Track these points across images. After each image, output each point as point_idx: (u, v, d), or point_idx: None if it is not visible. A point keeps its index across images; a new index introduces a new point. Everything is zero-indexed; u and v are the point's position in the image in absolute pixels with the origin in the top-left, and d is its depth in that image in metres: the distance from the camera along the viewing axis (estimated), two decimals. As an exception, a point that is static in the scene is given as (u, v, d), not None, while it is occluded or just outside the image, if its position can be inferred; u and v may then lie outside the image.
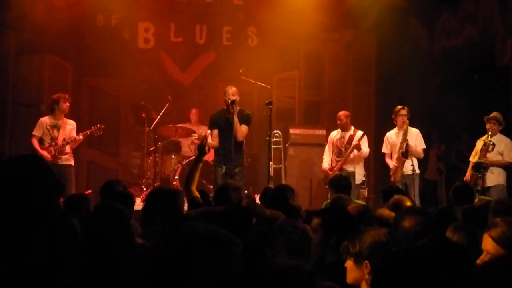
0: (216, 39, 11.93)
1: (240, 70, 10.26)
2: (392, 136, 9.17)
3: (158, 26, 11.78)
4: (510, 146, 8.55)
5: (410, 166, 8.70)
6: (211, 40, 11.95)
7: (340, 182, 6.81)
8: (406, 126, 8.91)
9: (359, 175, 9.33)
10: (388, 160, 9.23)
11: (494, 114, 8.64)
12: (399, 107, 9.09)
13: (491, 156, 8.45)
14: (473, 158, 8.75)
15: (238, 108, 8.34)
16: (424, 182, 10.60)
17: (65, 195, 8.50)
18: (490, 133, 8.51)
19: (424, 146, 9.14)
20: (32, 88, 11.28)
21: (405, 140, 8.78)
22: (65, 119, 8.84)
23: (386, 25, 11.46)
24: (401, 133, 8.94)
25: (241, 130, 8.35)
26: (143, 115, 10.39)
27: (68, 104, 8.85)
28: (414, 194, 8.53)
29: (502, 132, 8.64)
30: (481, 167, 8.34)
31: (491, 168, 8.41)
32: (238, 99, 8.30)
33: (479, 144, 8.70)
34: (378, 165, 10.93)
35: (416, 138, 9.00)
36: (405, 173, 8.80)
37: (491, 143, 8.37)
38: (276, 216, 4.64)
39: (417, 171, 8.89)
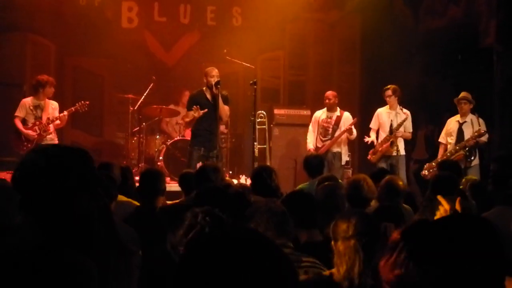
0: (200, 19, 11.85)
1: (225, 50, 10.21)
2: (383, 114, 9.19)
3: (141, 5, 11.67)
4: (484, 126, 8.62)
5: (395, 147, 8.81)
6: (195, 20, 11.87)
7: (312, 161, 6.85)
8: (397, 107, 8.96)
9: (345, 155, 9.40)
10: (372, 134, 9.27)
11: (463, 94, 8.71)
12: (385, 87, 9.14)
13: (471, 138, 8.52)
14: (444, 139, 8.84)
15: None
16: (413, 162, 10.72)
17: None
18: (461, 113, 8.66)
19: (411, 130, 9.19)
20: (14, 67, 11.14)
21: (399, 127, 8.81)
22: (47, 100, 8.78)
23: (371, 5, 11.45)
24: (393, 113, 8.97)
25: (225, 110, 8.38)
26: (127, 95, 10.35)
27: (53, 89, 8.79)
28: (399, 175, 8.59)
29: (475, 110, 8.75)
30: (472, 154, 8.41)
31: None
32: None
33: (453, 125, 8.77)
34: (363, 145, 10.96)
35: (407, 121, 9.05)
36: (392, 154, 8.84)
37: (483, 132, 8.38)
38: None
39: (402, 152, 8.95)
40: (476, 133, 8.37)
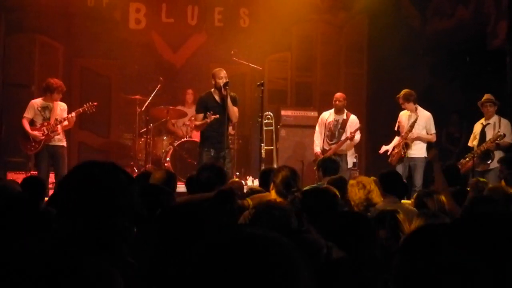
0: (208, 20, 11.86)
1: (232, 52, 10.20)
2: (403, 116, 9.16)
3: (149, 6, 11.69)
4: (510, 127, 8.57)
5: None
6: (203, 21, 11.88)
7: (330, 165, 6.84)
8: (416, 110, 8.91)
9: (351, 158, 9.38)
10: (397, 138, 9.24)
11: (487, 96, 8.65)
12: (397, 96, 9.08)
13: (489, 140, 8.47)
14: (471, 142, 8.79)
15: (225, 90, 8.34)
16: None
17: (57, 175, 8.57)
18: (487, 115, 8.61)
19: (434, 131, 9.09)
20: (22, 68, 11.18)
21: (411, 129, 8.77)
22: (55, 101, 8.81)
23: (378, 7, 11.43)
24: (413, 115, 8.93)
25: (234, 112, 8.36)
26: (135, 96, 10.38)
27: (61, 95, 8.82)
28: (414, 177, 8.60)
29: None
30: (490, 157, 8.35)
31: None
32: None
33: (477, 127, 8.74)
34: (370, 147, 10.96)
35: (427, 122, 8.99)
36: (411, 156, 8.81)
37: (501, 134, 8.35)
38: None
39: (422, 154, 8.88)
40: (494, 136, 8.34)
